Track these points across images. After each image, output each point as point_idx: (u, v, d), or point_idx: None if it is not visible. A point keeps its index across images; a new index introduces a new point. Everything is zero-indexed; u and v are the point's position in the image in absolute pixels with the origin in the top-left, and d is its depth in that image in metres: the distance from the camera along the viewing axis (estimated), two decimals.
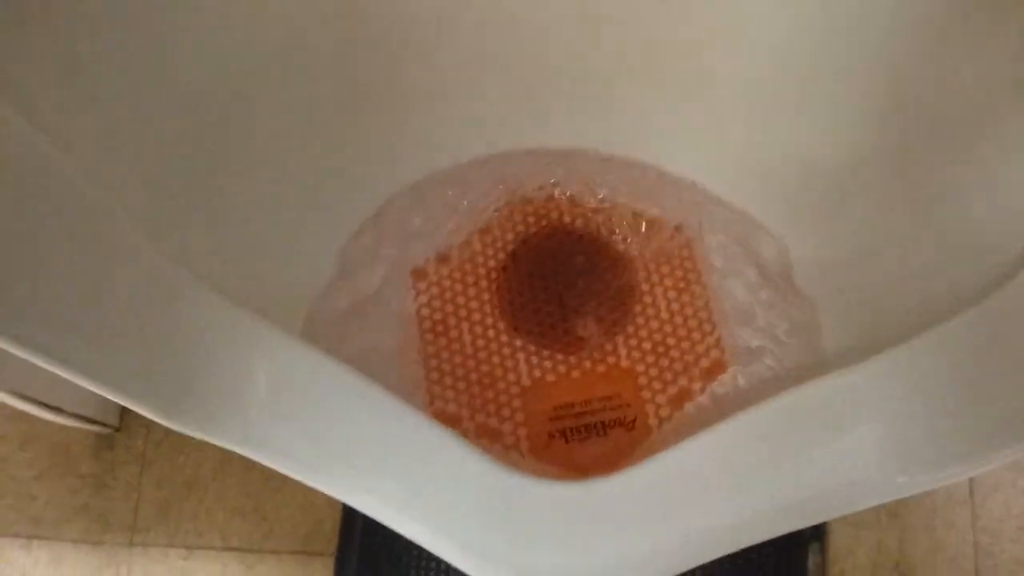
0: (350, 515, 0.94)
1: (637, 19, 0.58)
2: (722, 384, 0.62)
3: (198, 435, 0.43)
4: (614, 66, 0.62)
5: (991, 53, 0.49)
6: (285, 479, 0.94)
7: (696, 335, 0.63)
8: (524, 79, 0.64)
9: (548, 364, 0.63)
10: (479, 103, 0.65)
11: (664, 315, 0.64)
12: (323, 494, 0.93)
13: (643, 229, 0.66)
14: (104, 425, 0.94)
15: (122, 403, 0.40)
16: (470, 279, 0.66)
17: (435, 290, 0.66)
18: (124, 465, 0.97)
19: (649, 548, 0.43)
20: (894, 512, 0.92)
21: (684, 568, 0.43)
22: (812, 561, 0.90)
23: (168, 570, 0.95)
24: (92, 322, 0.40)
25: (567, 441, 0.61)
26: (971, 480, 0.93)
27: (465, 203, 0.66)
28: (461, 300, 0.65)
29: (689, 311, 0.64)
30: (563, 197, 0.67)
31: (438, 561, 0.91)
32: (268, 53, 0.56)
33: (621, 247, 0.66)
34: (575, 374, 0.63)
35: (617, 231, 0.66)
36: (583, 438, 0.62)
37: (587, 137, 0.67)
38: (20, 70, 0.43)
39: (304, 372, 0.46)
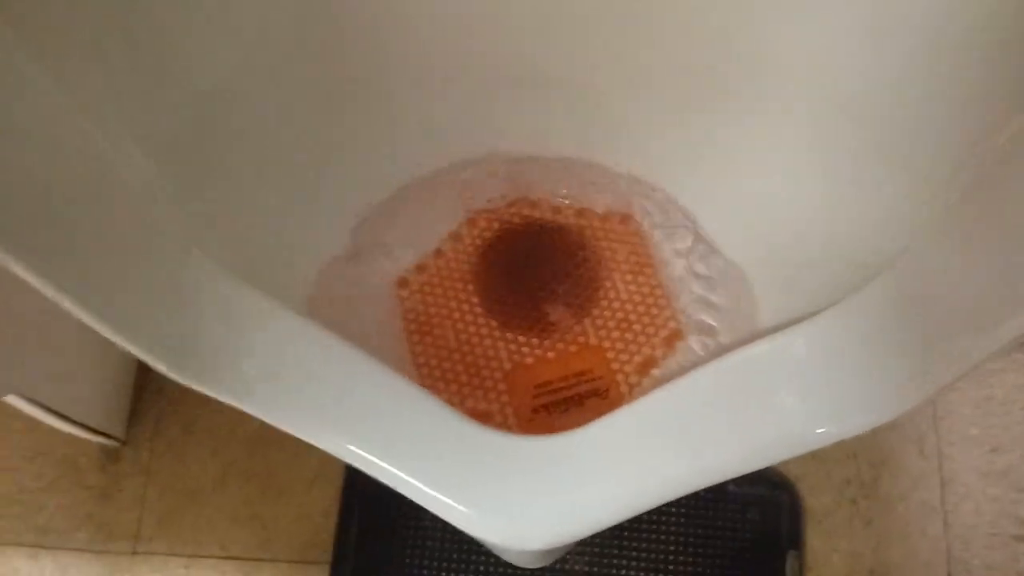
0: (346, 524, 0.98)
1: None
2: (681, 351, 0.67)
3: (198, 387, 0.47)
4: (572, 70, 0.68)
5: None
6: (283, 488, 0.99)
7: (654, 310, 0.69)
8: (484, 86, 0.69)
9: (526, 349, 0.69)
10: (440, 111, 0.71)
11: (624, 295, 0.69)
12: (319, 503, 0.98)
13: (597, 221, 0.72)
14: (110, 437, 0.99)
15: (131, 350, 0.44)
16: (447, 283, 0.71)
17: (417, 296, 0.71)
18: (129, 477, 1.01)
19: (607, 490, 0.48)
20: (868, 520, 0.96)
21: (641, 509, 0.48)
22: (790, 568, 0.93)
23: None
24: (114, 279, 0.45)
25: (550, 414, 0.67)
26: (943, 489, 0.96)
27: (433, 212, 0.72)
28: (442, 302, 0.71)
29: (646, 290, 0.69)
30: (523, 200, 0.73)
31: (430, 565, 0.95)
32: (260, 60, 0.62)
33: (579, 238, 0.72)
34: (550, 355, 0.68)
35: (574, 224, 0.72)
36: (564, 410, 0.67)
37: (537, 142, 0.73)
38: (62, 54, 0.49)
39: (298, 340, 0.51)
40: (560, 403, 0.67)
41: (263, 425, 1.00)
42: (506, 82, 0.69)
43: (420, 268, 0.72)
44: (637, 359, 0.68)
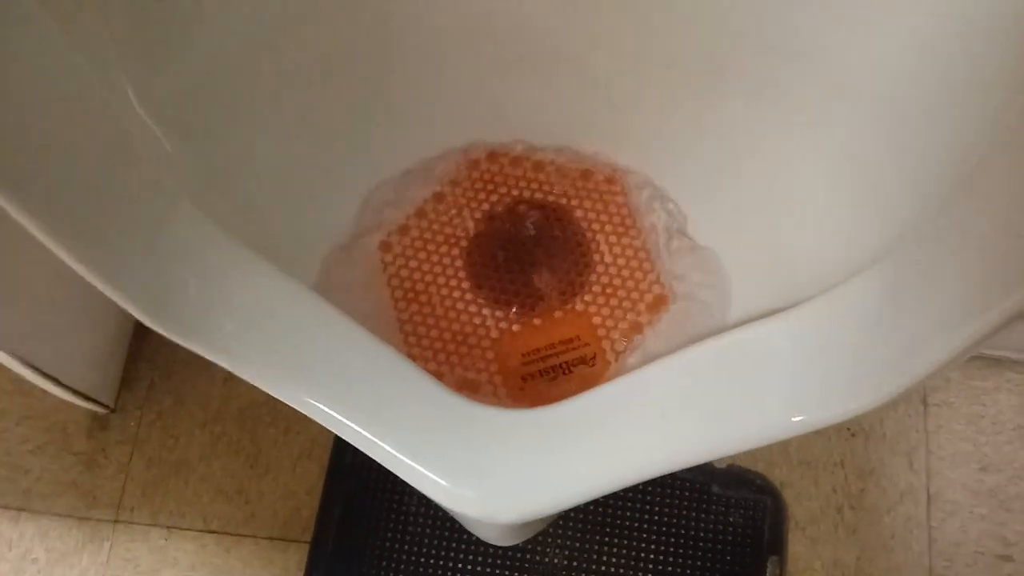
0: (328, 504, 0.98)
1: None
2: (666, 318, 0.67)
3: (176, 339, 0.47)
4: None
5: None
6: (270, 465, 0.99)
7: (638, 274, 0.69)
8: (487, 63, 0.70)
9: (512, 316, 0.69)
10: (442, 90, 0.71)
11: (608, 259, 0.70)
12: (305, 481, 0.97)
13: (580, 182, 0.72)
14: (100, 404, 0.99)
15: (111, 295, 0.44)
16: (431, 246, 0.71)
17: (401, 260, 0.71)
18: (116, 445, 1.01)
19: (582, 464, 0.48)
20: (853, 530, 0.95)
21: (614, 487, 0.48)
22: (770, 573, 0.93)
23: (149, 548, 0.98)
24: (106, 230, 0.45)
25: (538, 383, 0.67)
26: (929, 504, 0.96)
27: (422, 182, 0.72)
28: (426, 267, 0.71)
29: (630, 253, 0.70)
30: (505, 160, 0.73)
31: (409, 551, 0.94)
32: (266, 29, 0.62)
33: (563, 201, 0.72)
34: (536, 322, 0.69)
35: (557, 187, 0.72)
36: (552, 378, 0.67)
37: (529, 126, 0.74)
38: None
39: (278, 298, 0.51)
40: (548, 371, 0.68)
41: (254, 400, 1.01)
42: (507, 60, 0.69)
43: (403, 230, 0.72)
44: (623, 325, 0.68)
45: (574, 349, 0.68)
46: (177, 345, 0.47)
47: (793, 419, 0.47)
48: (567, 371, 0.67)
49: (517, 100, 0.72)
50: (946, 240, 0.45)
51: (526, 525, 0.53)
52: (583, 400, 0.50)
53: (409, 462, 0.48)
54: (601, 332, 0.68)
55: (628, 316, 0.68)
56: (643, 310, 0.68)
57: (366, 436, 0.47)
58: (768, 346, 0.50)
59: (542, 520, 0.55)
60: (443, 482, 0.48)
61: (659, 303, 0.68)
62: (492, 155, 0.74)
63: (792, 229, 0.64)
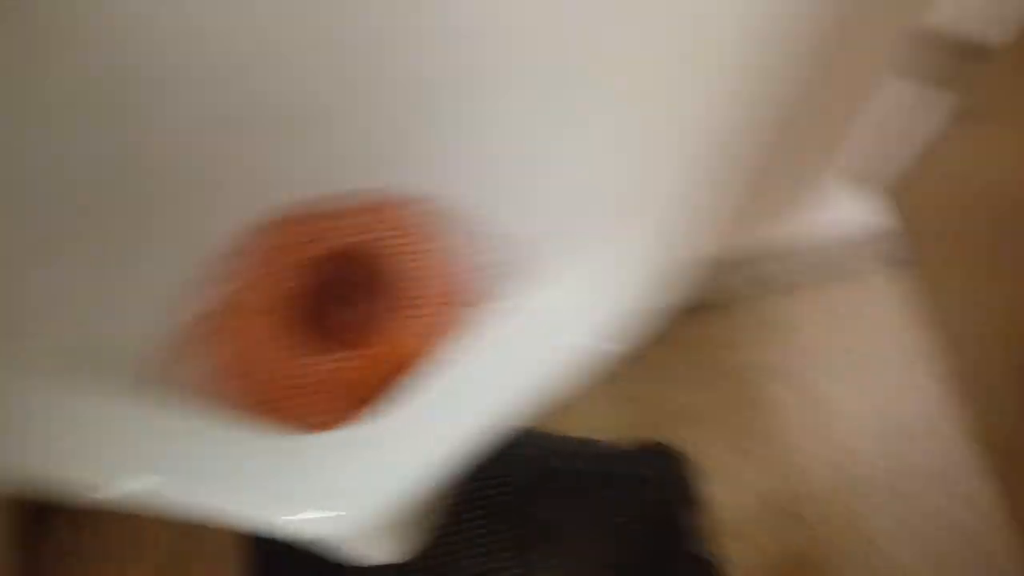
0: None
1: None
2: (482, 313, 0.70)
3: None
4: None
5: None
6: None
7: (447, 283, 0.73)
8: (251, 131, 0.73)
9: (341, 355, 0.71)
10: (219, 165, 0.74)
11: (415, 276, 0.73)
12: None
13: (375, 216, 0.76)
14: None
15: None
16: (250, 318, 0.73)
17: (224, 339, 0.72)
18: None
19: (409, 457, 0.50)
20: (762, 457, 0.98)
21: (449, 463, 0.50)
22: (700, 527, 0.94)
23: None
24: None
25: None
26: (818, 409, 1.00)
27: (216, 257, 0.74)
28: (251, 339, 0.72)
29: (434, 263, 0.73)
30: (303, 217, 0.76)
31: None
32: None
33: (365, 238, 0.75)
34: (365, 352, 0.71)
35: (356, 227, 0.75)
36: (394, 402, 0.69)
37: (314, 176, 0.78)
38: None
39: (104, 407, 0.53)
40: (390, 393, 0.69)
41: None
42: (275, 127, 0.73)
43: (218, 312, 0.73)
44: (442, 330, 0.71)
45: (407, 368, 0.70)
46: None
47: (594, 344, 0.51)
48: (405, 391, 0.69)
49: (293, 160, 0.75)
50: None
51: (404, 531, 0.54)
52: (404, 403, 0.53)
53: (246, 509, 0.49)
54: (429, 345, 0.71)
55: (445, 320, 0.72)
56: (460, 314, 0.72)
57: (212, 507, 0.48)
58: (555, 308, 0.55)
59: (414, 523, 0.56)
60: (298, 515, 0.49)
61: (473, 302, 0.72)
62: (288, 217, 0.77)
63: (577, 208, 0.68)
